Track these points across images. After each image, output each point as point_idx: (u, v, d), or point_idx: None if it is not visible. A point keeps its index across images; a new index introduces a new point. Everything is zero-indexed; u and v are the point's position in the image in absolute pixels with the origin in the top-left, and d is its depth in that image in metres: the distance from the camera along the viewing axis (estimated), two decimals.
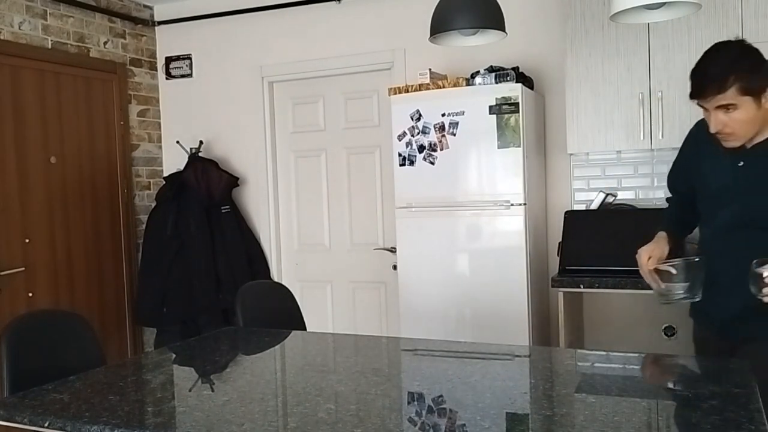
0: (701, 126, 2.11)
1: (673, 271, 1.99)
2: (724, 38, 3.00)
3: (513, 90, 3.19)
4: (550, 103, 3.66)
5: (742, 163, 1.97)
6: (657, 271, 2.04)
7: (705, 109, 1.92)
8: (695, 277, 1.96)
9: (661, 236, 2.17)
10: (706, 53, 1.92)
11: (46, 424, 1.51)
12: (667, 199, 2.41)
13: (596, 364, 1.84)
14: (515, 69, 3.33)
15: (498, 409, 1.49)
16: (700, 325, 2.19)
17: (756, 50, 1.89)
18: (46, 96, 3.88)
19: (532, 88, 3.46)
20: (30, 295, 3.74)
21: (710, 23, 3.04)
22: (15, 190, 3.69)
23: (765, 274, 1.73)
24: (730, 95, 1.83)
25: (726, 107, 1.85)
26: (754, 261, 1.76)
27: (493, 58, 3.58)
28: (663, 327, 3.02)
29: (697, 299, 1.97)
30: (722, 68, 1.83)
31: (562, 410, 1.46)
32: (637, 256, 2.09)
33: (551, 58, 3.62)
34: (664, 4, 2.02)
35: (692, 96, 1.91)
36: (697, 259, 1.99)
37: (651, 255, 2.07)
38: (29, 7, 3.78)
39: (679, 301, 2.01)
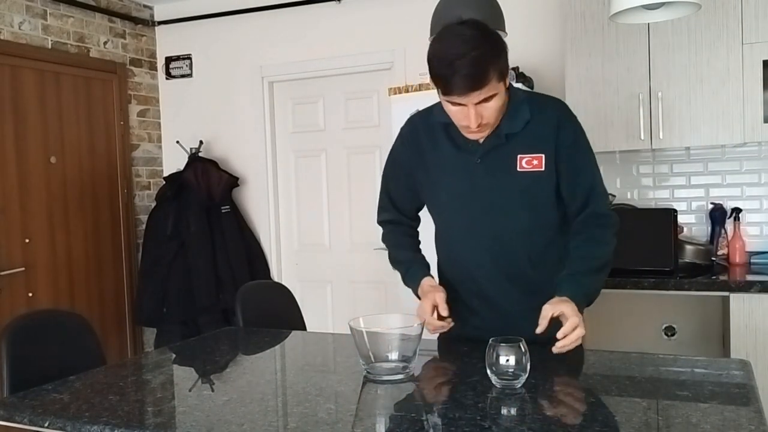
0: (414, 126, 1.98)
1: None
2: (724, 38, 3.03)
3: None
4: None
5: (479, 160, 1.86)
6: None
7: (458, 105, 1.71)
8: None
9: (427, 282, 1.94)
10: (444, 48, 1.68)
11: (46, 424, 1.51)
12: (386, 225, 2.12)
13: (596, 364, 1.84)
14: (515, 69, 3.33)
15: (498, 409, 1.48)
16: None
17: (487, 26, 1.74)
18: (46, 96, 3.88)
19: (532, 88, 3.46)
20: (30, 295, 3.74)
21: (710, 23, 3.04)
22: (15, 190, 3.69)
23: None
24: (492, 86, 1.68)
25: (485, 99, 1.69)
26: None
27: None
28: (663, 327, 3.02)
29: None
30: (477, 61, 1.63)
31: (562, 410, 1.46)
32: (421, 318, 1.81)
33: (551, 58, 3.61)
34: (664, 4, 2.02)
35: (447, 94, 1.70)
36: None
37: (433, 304, 1.86)
38: (29, 7, 3.78)
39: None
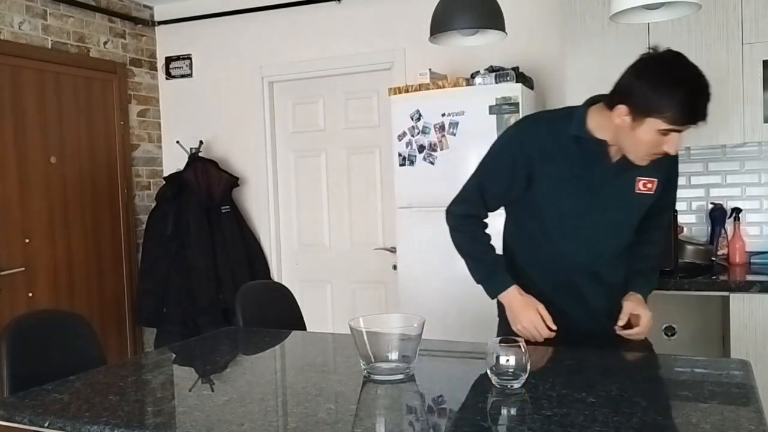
0: (542, 133, 1.97)
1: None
2: (724, 38, 3.03)
3: (513, 90, 3.19)
4: (550, 103, 3.65)
5: (605, 179, 1.93)
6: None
7: (674, 132, 1.77)
8: None
9: (518, 291, 2.02)
10: (696, 79, 1.79)
11: (46, 424, 1.51)
12: (466, 218, 2.16)
13: (597, 364, 1.84)
14: (515, 69, 3.33)
15: (498, 409, 1.49)
16: None
17: None
18: (46, 96, 3.88)
19: (532, 88, 3.46)
20: (30, 295, 3.74)
21: (710, 23, 3.04)
22: (15, 190, 3.69)
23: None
24: None
25: None
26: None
27: (493, 58, 3.58)
28: (663, 327, 3.02)
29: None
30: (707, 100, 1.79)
31: (562, 410, 1.46)
32: (531, 328, 1.98)
33: (551, 58, 3.61)
34: (664, 4, 2.02)
35: (690, 123, 1.77)
36: None
37: (542, 315, 1.99)
38: (29, 7, 3.78)
39: None
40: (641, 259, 2.08)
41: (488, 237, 2.12)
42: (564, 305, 2.03)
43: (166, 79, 4.63)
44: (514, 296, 2.01)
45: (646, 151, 1.83)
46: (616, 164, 1.92)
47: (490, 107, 3.21)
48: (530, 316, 1.98)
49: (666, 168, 1.98)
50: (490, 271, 2.07)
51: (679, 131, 1.77)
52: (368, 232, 4.22)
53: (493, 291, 2.07)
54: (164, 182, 4.32)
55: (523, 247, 2.09)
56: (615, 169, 1.93)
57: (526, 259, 2.08)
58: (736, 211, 3.31)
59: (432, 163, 3.35)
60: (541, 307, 1.98)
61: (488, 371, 1.57)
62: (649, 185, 1.96)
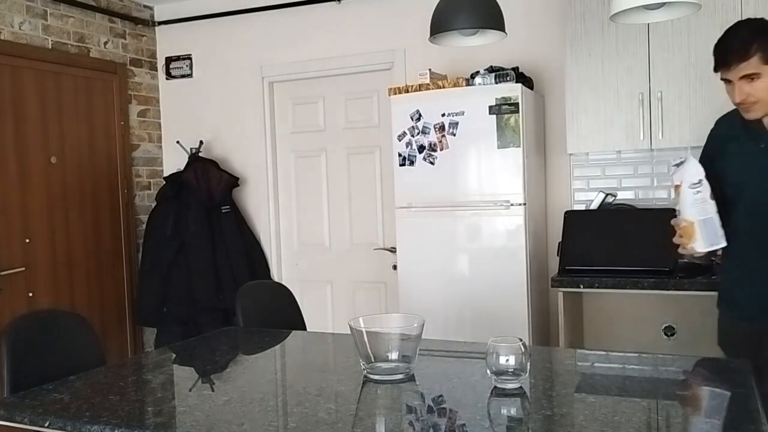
0: (722, 122, 2.20)
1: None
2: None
3: (513, 90, 3.19)
4: (550, 103, 3.66)
5: (763, 145, 2.00)
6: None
7: (728, 82, 1.95)
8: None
9: None
10: (729, 28, 1.97)
11: (46, 424, 1.51)
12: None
13: (596, 364, 1.84)
14: (515, 69, 3.33)
15: (498, 409, 1.49)
16: (727, 311, 2.21)
17: (765, 20, 1.95)
18: (46, 96, 3.88)
19: (532, 88, 3.46)
20: (30, 295, 3.74)
21: (710, 23, 3.04)
22: (15, 190, 3.69)
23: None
24: (754, 64, 1.88)
25: (750, 77, 1.90)
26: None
27: (493, 58, 3.58)
28: (663, 327, 3.02)
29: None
30: (744, 38, 1.89)
31: (562, 410, 1.46)
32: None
33: (551, 58, 3.62)
34: (664, 4, 2.02)
35: (717, 67, 1.96)
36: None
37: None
38: (29, 7, 3.78)
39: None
40: None
41: None
42: (738, 277, 2.15)
43: (167, 79, 4.63)
44: None
45: (733, 103, 2.00)
46: None
47: (490, 107, 3.21)
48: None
49: None
50: None
51: (725, 79, 1.96)
52: (368, 232, 4.22)
53: None
54: (164, 182, 4.32)
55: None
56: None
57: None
58: None
59: (432, 164, 3.35)
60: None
61: (488, 371, 1.57)
62: None
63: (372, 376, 1.68)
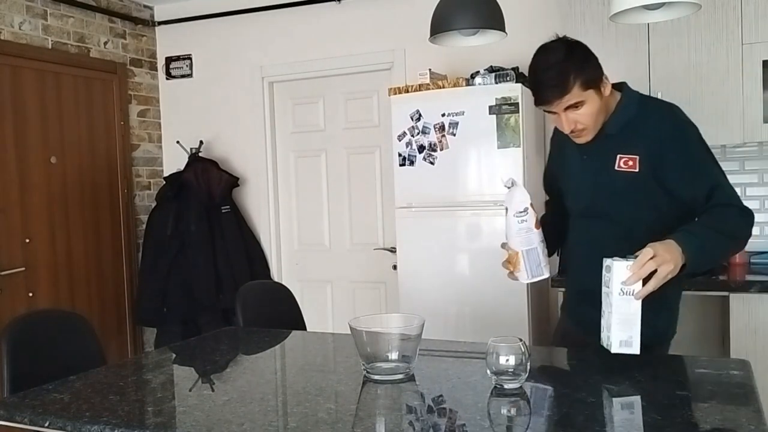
0: (558, 129, 2.08)
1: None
2: (724, 38, 3.03)
3: (513, 90, 3.19)
4: None
5: (585, 157, 1.97)
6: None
7: (554, 113, 1.88)
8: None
9: None
10: (536, 60, 1.87)
11: (46, 424, 1.51)
12: (546, 203, 2.36)
13: (596, 364, 1.84)
14: (515, 69, 3.33)
15: (498, 409, 1.49)
16: (568, 318, 2.18)
17: (579, 43, 1.88)
18: (46, 96, 3.88)
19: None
20: (30, 295, 3.74)
21: (710, 23, 3.04)
22: (15, 190, 3.69)
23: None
24: (576, 94, 1.80)
25: (574, 106, 1.83)
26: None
27: (493, 58, 3.57)
28: None
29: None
30: (559, 71, 1.80)
31: (562, 410, 1.46)
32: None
33: None
34: (664, 4, 2.02)
35: (537, 104, 1.87)
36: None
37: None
38: (29, 7, 3.78)
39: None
40: (700, 222, 1.82)
41: (548, 218, 2.22)
42: (578, 298, 2.10)
43: (167, 79, 4.63)
44: None
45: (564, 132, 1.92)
46: (590, 142, 1.93)
47: (490, 107, 3.21)
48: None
49: (654, 144, 1.85)
50: None
51: (549, 111, 1.87)
52: (368, 232, 4.22)
53: None
54: (164, 182, 4.32)
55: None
56: (588, 147, 1.94)
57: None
58: None
59: (432, 164, 3.35)
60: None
61: (488, 371, 1.57)
62: (630, 162, 1.88)
63: (372, 376, 1.68)
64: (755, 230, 3.34)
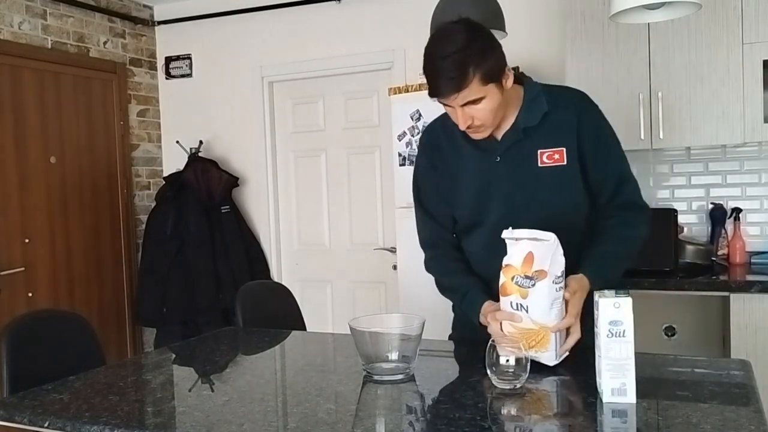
0: (435, 132, 1.92)
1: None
2: (724, 38, 3.03)
3: None
4: None
5: (498, 159, 1.81)
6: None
7: (448, 106, 1.69)
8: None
9: (489, 307, 1.77)
10: (432, 45, 1.66)
11: (46, 424, 1.51)
12: (428, 250, 2.01)
13: (596, 365, 1.84)
14: (515, 69, 3.32)
15: (498, 409, 1.48)
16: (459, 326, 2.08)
17: (482, 28, 1.69)
18: (46, 96, 3.88)
19: None
20: (30, 295, 3.74)
21: (710, 23, 3.04)
22: (15, 190, 3.69)
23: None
24: (475, 89, 1.63)
25: (472, 101, 1.65)
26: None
27: None
28: (663, 327, 3.02)
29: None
30: (457, 61, 1.60)
31: (563, 410, 1.46)
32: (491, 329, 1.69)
33: (551, 58, 3.61)
34: (664, 4, 2.02)
35: (431, 95, 1.67)
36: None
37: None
38: (29, 7, 3.78)
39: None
40: (605, 241, 1.78)
41: (455, 264, 2.00)
42: None
43: (166, 79, 4.63)
44: (483, 312, 1.81)
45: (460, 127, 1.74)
46: (503, 141, 1.80)
47: None
48: (493, 329, 1.71)
49: (575, 133, 1.78)
50: (462, 297, 1.93)
51: (446, 104, 1.70)
52: (368, 232, 4.22)
53: (472, 314, 1.86)
54: (164, 182, 4.32)
55: (467, 255, 1.98)
56: (504, 147, 1.80)
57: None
58: (737, 211, 3.31)
59: None
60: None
61: (488, 371, 1.57)
62: (556, 155, 1.78)
63: (372, 376, 1.68)
64: (755, 230, 3.37)
